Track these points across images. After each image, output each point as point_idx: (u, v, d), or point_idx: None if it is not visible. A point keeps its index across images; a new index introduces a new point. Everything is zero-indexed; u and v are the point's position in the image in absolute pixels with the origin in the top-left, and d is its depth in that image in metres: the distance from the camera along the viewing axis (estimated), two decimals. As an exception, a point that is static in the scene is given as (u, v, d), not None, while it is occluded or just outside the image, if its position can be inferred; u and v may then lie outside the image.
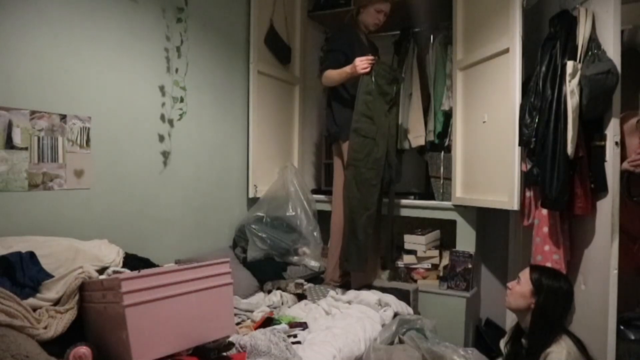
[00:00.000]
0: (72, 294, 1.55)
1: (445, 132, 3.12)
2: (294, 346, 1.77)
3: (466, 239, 2.85)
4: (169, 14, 2.41)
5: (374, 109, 2.66)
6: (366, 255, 2.71)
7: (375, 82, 2.65)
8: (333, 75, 2.73)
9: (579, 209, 2.08)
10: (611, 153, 2.01)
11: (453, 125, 2.90)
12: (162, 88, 2.41)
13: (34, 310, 1.49)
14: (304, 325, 2.09)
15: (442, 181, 3.05)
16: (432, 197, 3.09)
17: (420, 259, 3.00)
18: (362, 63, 2.58)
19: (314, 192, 3.33)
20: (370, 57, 2.60)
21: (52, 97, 1.92)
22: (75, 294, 1.55)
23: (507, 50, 2.36)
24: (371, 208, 2.68)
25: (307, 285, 2.64)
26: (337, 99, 2.87)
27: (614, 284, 1.96)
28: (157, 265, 2.07)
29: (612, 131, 2.01)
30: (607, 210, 2.02)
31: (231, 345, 1.67)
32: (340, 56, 2.76)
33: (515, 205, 2.34)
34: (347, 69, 2.65)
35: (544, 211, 2.23)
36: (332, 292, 2.56)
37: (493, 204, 2.53)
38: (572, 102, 2.01)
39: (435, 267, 2.99)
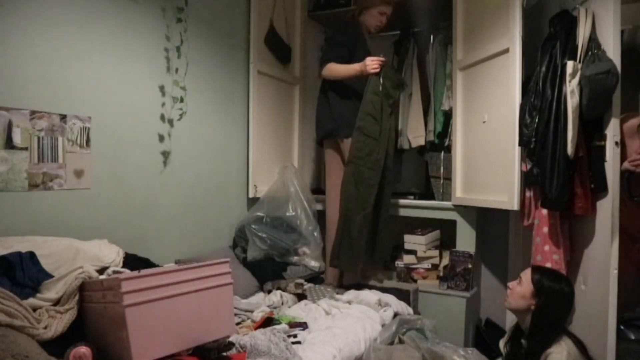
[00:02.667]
0: (72, 294, 1.55)
1: (445, 132, 3.12)
2: (294, 346, 1.77)
3: (466, 239, 2.85)
4: (169, 14, 2.41)
5: (379, 109, 2.65)
6: (359, 254, 2.68)
7: (383, 84, 2.64)
8: (338, 69, 2.71)
9: (579, 209, 2.08)
10: (611, 153, 2.01)
11: (453, 125, 2.90)
12: (162, 88, 2.40)
13: (34, 310, 1.49)
14: (304, 325, 2.09)
15: (442, 181, 3.05)
16: (432, 197, 3.09)
17: (420, 259, 3.00)
18: (373, 63, 2.57)
19: (314, 192, 3.33)
20: (382, 58, 2.60)
21: (52, 97, 1.91)
22: (75, 294, 1.55)
23: (507, 50, 2.36)
24: (367, 208, 2.66)
25: (307, 285, 2.64)
26: (336, 94, 2.84)
27: (614, 284, 1.96)
28: (157, 265, 2.07)
29: (612, 131, 2.01)
30: (607, 210, 2.02)
31: (231, 345, 1.67)
32: (345, 51, 2.75)
33: (515, 205, 2.34)
34: (357, 67, 2.63)
35: (544, 211, 2.23)
36: (332, 292, 2.56)
37: (493, 204, 2.53)
38: (572, 102, 2.02)
39: (435, 267, 2.99)
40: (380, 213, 2.76)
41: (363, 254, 2.72)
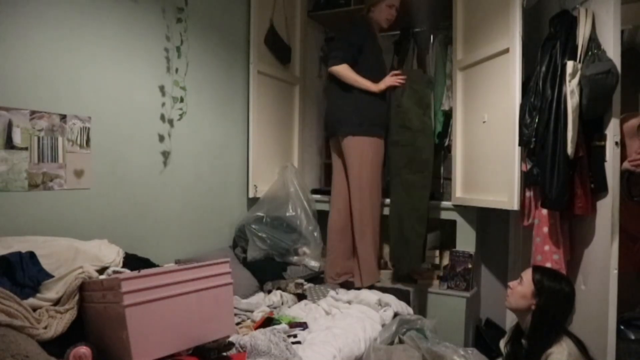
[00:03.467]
0: (72, 294, 1.55)
1: (445, 132, 3.12)
2: (294, 346, 1.77)
3: (466, 239, 2.85)
4: (169, 14, 2.41)
5: (408, 117, 2.74)
6: (420, 253, 2.77)
7: (412, 88, 2.72)
8: (351, 76, 2.74)
9: (579, 209, 2.08)
10: (611, 153, 2.01)
11: (453, 125, 2.90)
12: (162, 88, 2.41)
13: (34, 310, 1.49)
14: (304, 325, 2.09)
15: (442, 181, 3.05)
16: (432, 197, 3.09)
17: (420, 259, 3.00)
18: (396, 79, 2.70)
19: (314, 192, 3.33)
20: (402, 77, 2.70)
21: (52, 97, 1.91)
22: (75, 294, 1.55)
23: (507, 50, 2.36)
24: (421, 209, 2.76)
25: (307, 285, 2.64)
26: (338, 93, 2.85)
27: (614, 284, 1.97)
28: (157, 265, 2.07)
29: (612, 131, 2.01)
30: (607, 210, 2.02)
31: (231, 345, 1.67)
32: (356, 50, 2.77)
33: (515, 205, 2.34)
34: (373, 87, 2.72)
35: (544, 211, 2.23)
36: (332, 292, 2.56)
37: (493, 204, 2.53)
38: (572, 102, 2.02)
39: (435, 267, 2.99)
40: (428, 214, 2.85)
41: (423, 253, 2.81)
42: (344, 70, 2.74)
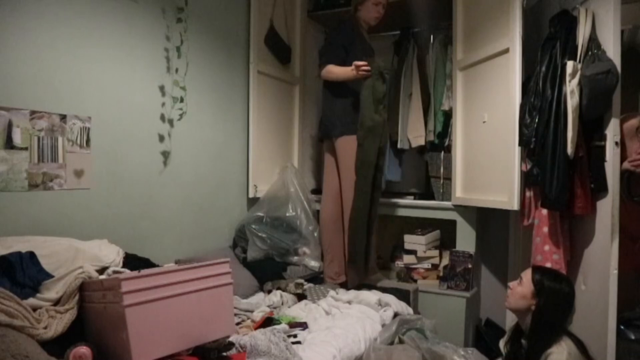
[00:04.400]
0: (72, 294, 1.55)
1: (445, 132, 3.12)
2: (294, 346, 1.77)
3: (466, 239, 2.85)
4: (169, 14, 2.41)
5: (362, 112, 2.63)
6: (363, 255, 2.70)
7: (373, 86, 2.60)
8: (336, 72, 2.73)
9: (579, 209, 2.08)
10: (611, 153, 2.01)
11: (453, 125, 2.91)
12: (162, 88, 2.41)
13: (34, 310, 1.49)
14: (304, 325, 2.09)
15: (442, 181, 3.05)
16: (432, 197, 3.10)
17: (420, 259, 3.00)
18: (359, 68, 2.55)
19: (314, 192, 3.34)
20: (363, 63, 2.56)
21: (52, 97, 1.91)
22: (75, 294, 1.55)
23: (507, 50, 2.36)
24: (364, 212, 2.66)
25: (307, 285, 2.64)
26: (330, 94, 2.87)
27: (614, 284, 1.97)
28: (157, 265, 2.07)
29: (612, 131, 2.01)
30: (607, 210, 2.02)
31: (231, 345, 1.67)
32: (341, 51, 2.76)
33: (515, 205, 2.34)
34: (351, 72, 2.64)
35: (544, 211, 2.23)
36: (332, 292, 2.56)
37: (493, 204, 2.53)
38: (572, 102, 2.02)
39: (435, 267, 3.00)
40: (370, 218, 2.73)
41: (369, 254, 2.75)
42: (329, 70, 2.75)
